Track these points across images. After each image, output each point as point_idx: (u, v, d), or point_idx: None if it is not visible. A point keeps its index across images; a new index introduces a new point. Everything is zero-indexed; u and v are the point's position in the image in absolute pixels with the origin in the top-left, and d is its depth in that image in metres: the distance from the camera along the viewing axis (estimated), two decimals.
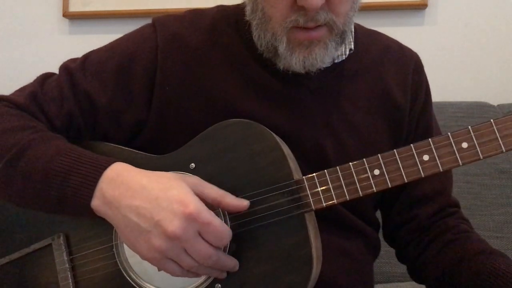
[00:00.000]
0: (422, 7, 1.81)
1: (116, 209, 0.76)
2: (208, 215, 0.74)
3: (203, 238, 0.74)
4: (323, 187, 0.78)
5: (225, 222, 0.80)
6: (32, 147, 0.82)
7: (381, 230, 1.06)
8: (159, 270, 0.78)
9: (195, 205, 0.73)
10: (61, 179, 0.79)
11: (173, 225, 0.72)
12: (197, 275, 0.78)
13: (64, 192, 0.78)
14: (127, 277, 0.84)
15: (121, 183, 0.77)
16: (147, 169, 0.81)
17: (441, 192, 1.00)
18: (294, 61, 0.85)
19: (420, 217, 0.98)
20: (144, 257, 0.76)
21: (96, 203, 0.78)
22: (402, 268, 1.30)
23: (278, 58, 0.87)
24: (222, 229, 0.74)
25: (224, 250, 0.79)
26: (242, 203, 0.78)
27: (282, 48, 0.85)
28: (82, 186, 0.78)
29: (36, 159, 0.81)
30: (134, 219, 0.74)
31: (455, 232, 0.95)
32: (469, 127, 0.74)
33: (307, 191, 0.78)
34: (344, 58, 0.95)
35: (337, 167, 0.78)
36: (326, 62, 0.88)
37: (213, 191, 0.78)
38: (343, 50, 0.95)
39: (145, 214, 0.74)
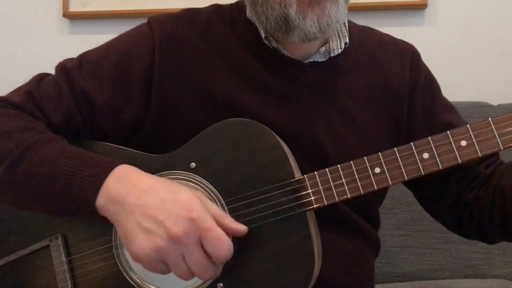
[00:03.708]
0: (422, 7, 1.81)
1: (120, 206, 0.76)
2: (211, 223, 0.73)
3: (203, 249, 0.73)
4: (325, 186, 0.79)
5: None
6: (35, 149, 0.81)
7: (380, 229, 1.06)
8: (146, 269, 0.77)
9: (200, 211, 0.73)
10: (65, 180, 0.78)
11: (177, 226, 0.72)
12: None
13: (69, 192, 0.78)
14: (128, 278, 0.84)
15: (128, 182, 0.77)
16: (147, 168, 0.81)
17: None
18: (309, 23, 0.85)
19: (481, 172, 0.97)
20: (137, 255, 0.74)
21: (101, 201, 0.77)
22: (402, 268, 1.31)
23: (291, 31, 0.87)
24: (223, 238, 0.73)
25: None
26: (240, 228, 0.77)
27: (293, 12, 0.84)
28: (88, 185, 0.78)
29: (39, 160, 0.81)
30: (138, 218, 0.74)
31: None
32: (468, 125, 0.76)
33: (308, 189, 0.79)
34: (339, 52, 0.95)
35: (338, 166, 0.79)
36: (340, 21, 0.88)
37: (214, 208, 0.77)
38: (338, 43, 0.95)
39: (149, 214, 0.74)
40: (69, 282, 0.87)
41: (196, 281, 0.80)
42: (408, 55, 1.01)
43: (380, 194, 1.03)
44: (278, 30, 0.88)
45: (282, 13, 0.85)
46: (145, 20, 0.98)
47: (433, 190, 1.01)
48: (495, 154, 0.99)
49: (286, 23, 0.86)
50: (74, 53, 0.97)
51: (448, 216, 1.02)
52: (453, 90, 1.75)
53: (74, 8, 1.96)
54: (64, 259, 0.87)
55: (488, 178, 0.96)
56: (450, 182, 0.98)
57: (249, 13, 0.95)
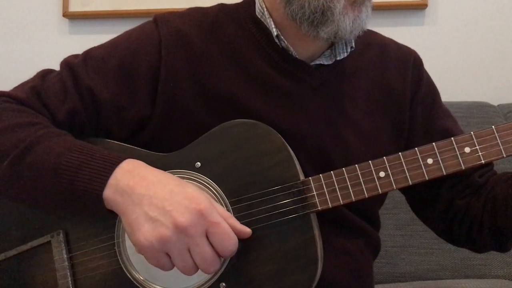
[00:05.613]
0: (422, 7, 1.82)
1: (128, 196, 0.76)
2: (219, 217, 0.74)
3: (209, 242, 0.74)
4: (329, 188, 0.79)
5: None
6: (40, 143, 0.82)
7: (380, 229, 1.06)
8: (149, 263, 0.77)
9: (207, 204, 0.74)
10: (72, 173, 0.79)
11: (184, 217, 0.72)
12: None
13: (75, 184, 0.78)
14: (129, 276, 0.84)
15: (137, 174, 0.78)
16: (153, 167, 0.81)
17: None
18: (346, 22, 0.86)
19: (475, 180, 0.98)
20: (141, 244, 0.74)
21: (108, 192, 0.77)
22: (402, 268, 1.31)
23: (324, 25, 0.87)
24: (230, 233, 0.74)
25: None
26: (244, 229, 0.78)
27: (339, 7, 0.85)
28: (95, 177, 0.78)
29: (45, 154, 0.80)
30: (145, 208, 0.74)
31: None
32: (472, 132, 0.78)
33: (313, 191, 0.79)
34: (345, 56, 0.95)
35: (343, 169, 0.79)
36: (365, 29, 0.90)
37: (220, 208, 0.78)
38: (344, 47, 0.95)
39: (157, 204, 0.74)
40: (69, 279, 0.86)
41: (198, 280, 0.80)
42: (410, 61, 1.02)
43: (381, 197, 1.03)
44: (308, 21, 0.88)
45: (325, 5, 0.85)
46: (145, 20, 0.97)
47: (425, 195, 1.01)
48: (490, 164, 1.00)
49: (323, 16, 0.86)
50: (74, 53, 0.96)
51: (439, 222, 1.02)
52: (453, 90, 1.77)
53: (74, 8, 1.96)
54: (65, 256, 0.87)
55: (481, 187, 0.97)
56: (442, 188, 0.99)
57: (259, 11, 0.95)
